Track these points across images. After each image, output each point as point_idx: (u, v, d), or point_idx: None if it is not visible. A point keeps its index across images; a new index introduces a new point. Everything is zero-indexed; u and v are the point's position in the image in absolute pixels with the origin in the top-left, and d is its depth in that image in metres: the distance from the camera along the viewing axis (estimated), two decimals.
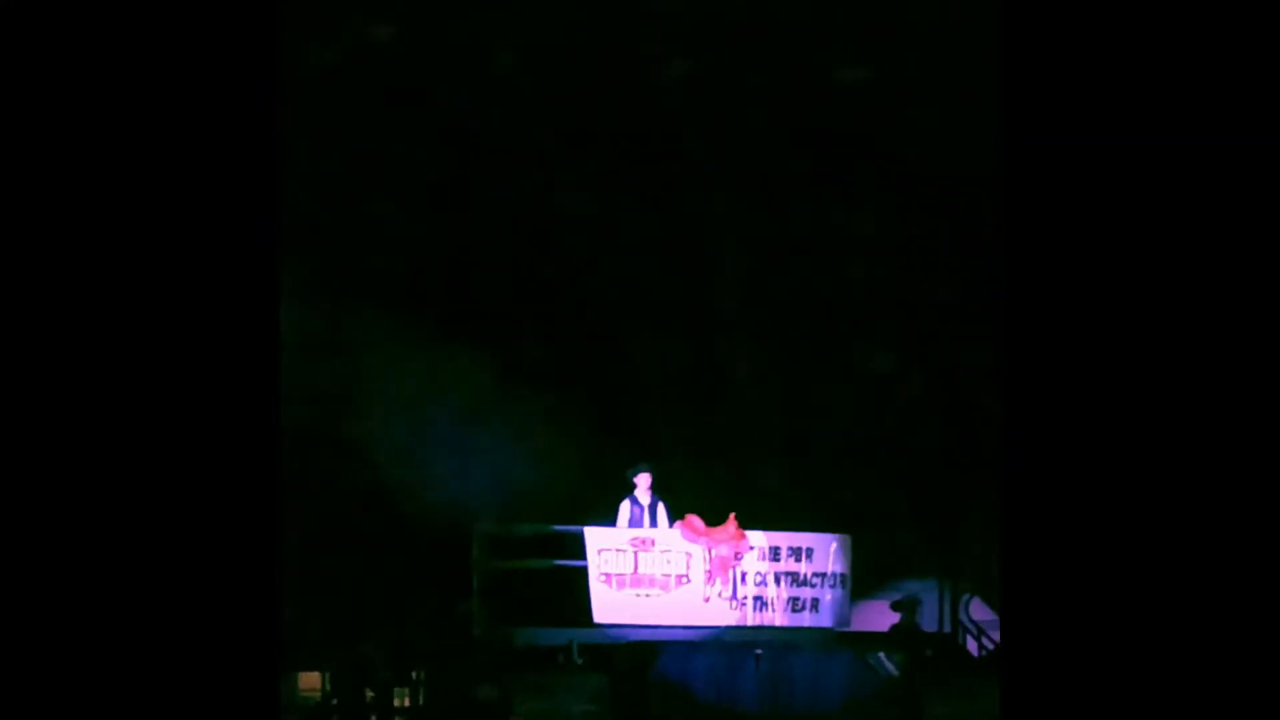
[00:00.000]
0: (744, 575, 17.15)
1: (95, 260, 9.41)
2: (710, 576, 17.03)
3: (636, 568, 16.94)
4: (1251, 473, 9.47)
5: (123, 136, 9.48)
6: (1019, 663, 9.65)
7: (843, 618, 17.55)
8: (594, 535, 16.99)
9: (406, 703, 16.85)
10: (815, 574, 17.35)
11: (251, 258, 9.54)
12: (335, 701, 16.56)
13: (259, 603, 9.47)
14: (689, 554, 17.04)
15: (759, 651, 16.88)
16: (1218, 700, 9.43)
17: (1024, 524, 9.66)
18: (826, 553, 17.41)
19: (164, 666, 9.36)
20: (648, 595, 16.92)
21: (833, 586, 17.42)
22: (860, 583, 17.77)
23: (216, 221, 9.51)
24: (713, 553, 17.04)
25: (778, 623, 17.23)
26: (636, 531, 17.15)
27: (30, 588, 9.28)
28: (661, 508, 17.37)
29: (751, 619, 17.15)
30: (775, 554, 17.27)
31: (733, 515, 17.19)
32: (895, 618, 18.30)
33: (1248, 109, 9.61)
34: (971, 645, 18.48)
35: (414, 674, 16.93)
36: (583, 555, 16.89)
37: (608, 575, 16.88)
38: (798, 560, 17.31)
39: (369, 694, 16.71)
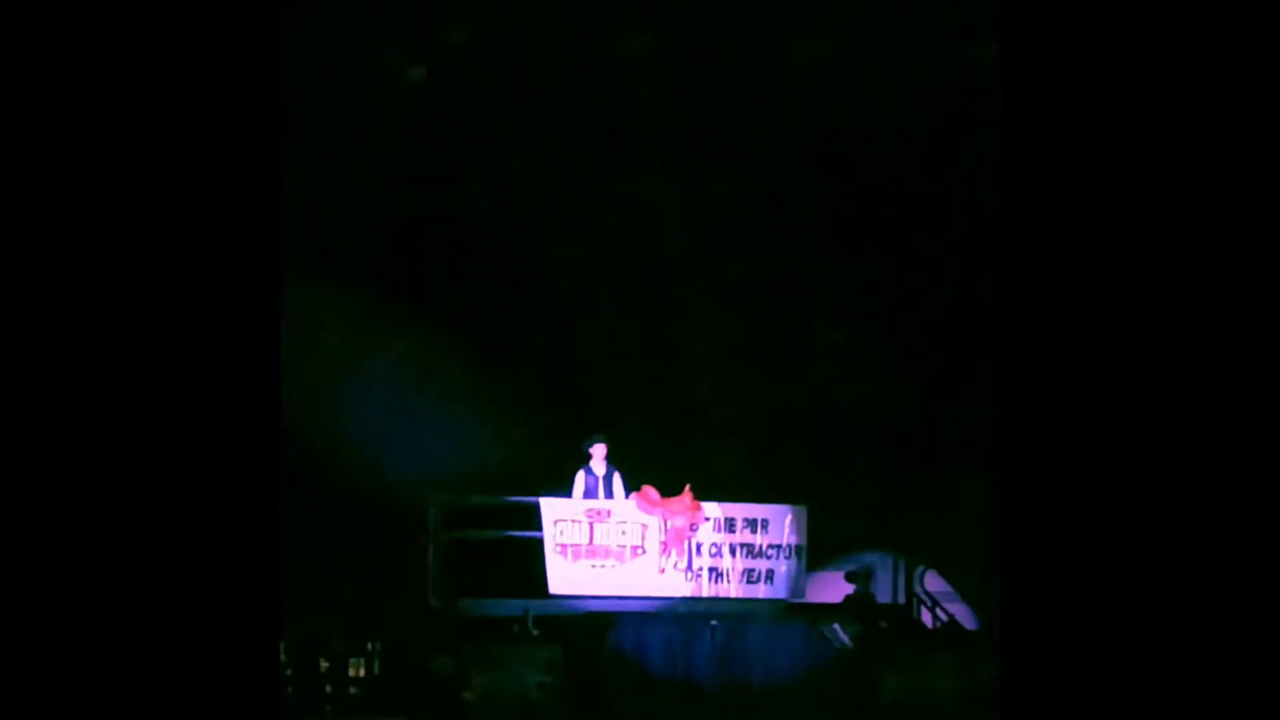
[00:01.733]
0: (699, 546, 17.19)
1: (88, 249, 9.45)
2: (665, 548, 17.07)
3: (592, 539, 16.97)
4: (1250, 467, 9.47)
5: (120, 127, 9.51)
6: (1019, 653, 9.61)
7: (797, 589, 17.61)
8: (550, 506, 17.00)
9: (362, 673, 16.87)
10: (770, 545, 17.40)
11: (251, 245, 9.57)
12: (290, 672, 16.56)
13: (257, 581, 9.49)
14: (644, 525, 17.08)
15: (714, 622, 16.94)
16: (1217, 697, 9.44)
17: (1022, 513, 9.60)
18: (781, 524, 17.46)
19: (159, 645, 9.38)
20: (603, 566, 16.95)
21: (787, 558, 17.47)
22: (815, 554, 17.81)
23: (216, 209, 9.56)
24: (668, 524, 17.08)
25: (733, 594, 17.28)
26: (592, 503, 17.17)
27: (28, 571, 9.28)
28: (617, 478, 17.39)
29: (706, 590, 17.19)
30: (730, 525, 17.31)
31: (688, 486, 17.23)
32: (849, 589, 18.41)
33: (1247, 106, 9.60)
34: (925, 617, 18.55)
35: (370, 645, 16.95)
36: (538, 526, 16.91)
37: (563, 546, 16.91)
38: (753, 532, 17.35)
39: (324, 665, 16.71)
